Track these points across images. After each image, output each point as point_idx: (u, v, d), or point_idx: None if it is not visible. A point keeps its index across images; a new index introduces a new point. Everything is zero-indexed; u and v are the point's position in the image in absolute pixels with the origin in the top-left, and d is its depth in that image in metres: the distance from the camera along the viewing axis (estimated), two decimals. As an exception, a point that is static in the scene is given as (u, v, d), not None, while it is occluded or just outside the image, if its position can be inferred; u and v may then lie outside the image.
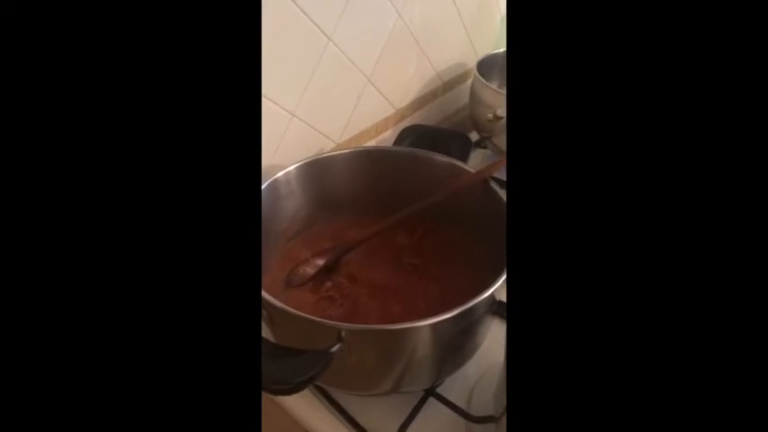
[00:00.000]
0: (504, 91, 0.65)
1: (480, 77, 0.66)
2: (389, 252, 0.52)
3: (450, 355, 0.40)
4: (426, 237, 0.53)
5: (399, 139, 0.58)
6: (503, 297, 0.36)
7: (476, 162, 0.72)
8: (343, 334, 0.34)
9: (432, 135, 0.58)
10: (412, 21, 0.65)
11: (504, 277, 0.37)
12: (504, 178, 0.50)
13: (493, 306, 0.39)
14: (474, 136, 0.75)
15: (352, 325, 0.34)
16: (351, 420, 0.42)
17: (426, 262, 0.51)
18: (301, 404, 0.43)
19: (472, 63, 0.74)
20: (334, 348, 0.33)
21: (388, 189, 0.54)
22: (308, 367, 0.31)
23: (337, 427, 0.42)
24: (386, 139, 0.70)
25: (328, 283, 0.49)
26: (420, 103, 0.75)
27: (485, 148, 0.74)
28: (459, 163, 0.50)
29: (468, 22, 0.75)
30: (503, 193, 0.46)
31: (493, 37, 0.82)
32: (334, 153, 0.52)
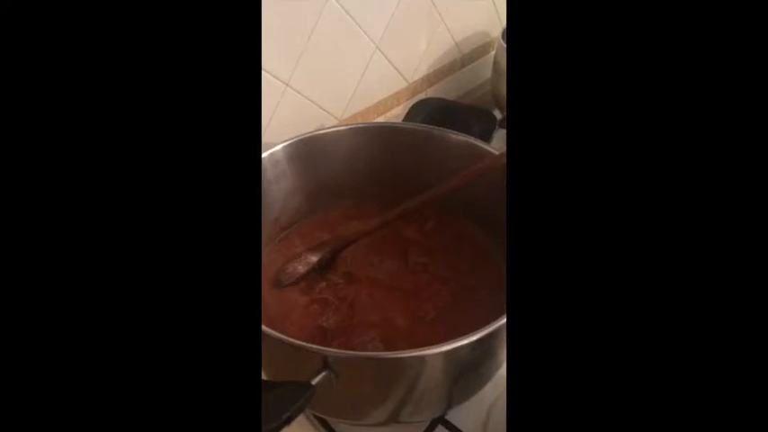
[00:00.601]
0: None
1: (506, 48, 0.57)
2: (394, 248, 0.45)
3: (463, 382, 0.33)
4: (438, 231, 0.46)
5: (410, 114, 0.50)
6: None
7: (499, 145, 0.64)
8: (330, 360, 0.27)
9: (448, 110, 0.50)
10: (428, -21, 0.56)
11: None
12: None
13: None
14: (497, 115, 0.66)
15: (340, 351, 0.27)
16: None
17: (437, 261, 0.44)
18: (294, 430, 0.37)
19: (496, 32, 0.66)
20: (317, 380, 0.26)
21: (395, 173, 0.46)
22: (282, 406, 0.24)
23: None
24: (395, 116, 0.62)
25: (322, 284, 0.42)
26: (436, 76, 0.66)
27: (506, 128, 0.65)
28: (481, 143, 0.42)
29: (493, -16, 0.66)
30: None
31: (520, 2, 0.73)
32: (331, 130, 0.44)
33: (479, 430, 0.37)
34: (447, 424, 0.37)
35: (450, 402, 0.35)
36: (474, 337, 0.27)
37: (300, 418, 0.37)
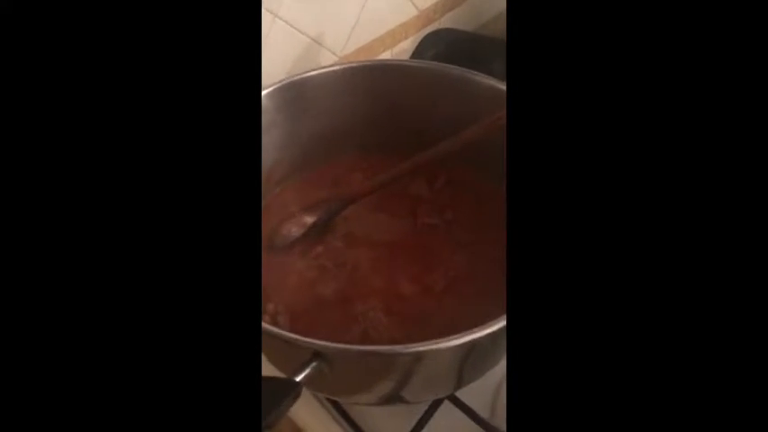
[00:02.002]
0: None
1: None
2: (401, 206, 0.40)
3: (475, 364, 0.30)
4: (450, 187, 0.41)
5: (419, 50, 0.43)
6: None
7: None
8: (322, 351, 0.23)
9: (465, 44, 0.42)
10: None
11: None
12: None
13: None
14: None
15: (332, 344, 0.23)
16: (354, 426, 0.34)
17: (449, 221, 0.39)
18: (303, 408, 0.35)
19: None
20: (302, 376, 0.22)
21: (403, 121, 0.40)
22: (264, 408, 0.20)
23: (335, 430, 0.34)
24: (404, 51, 0.54)
25: (320, 247, 0.38)
26: (452, 1, 0.57)
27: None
28: (501, 84, 0.35)
29: None
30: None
31: None
32: (325, 70, 0.37)
33: (488, 407, 0.35)
34: (456, 401, 0.34)
35: (460, 383, 0.32)
36: (491, 329, 0.23)
37: (306, 394, 0.35)
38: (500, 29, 0.63)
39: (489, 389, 0.36)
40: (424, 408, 0.34)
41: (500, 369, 0.35)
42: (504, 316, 0.24)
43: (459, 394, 0.34)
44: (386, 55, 0.53)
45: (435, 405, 0.34)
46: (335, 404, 0.35)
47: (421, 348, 0.23)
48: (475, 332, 0.24)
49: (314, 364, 0.23)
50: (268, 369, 0.29)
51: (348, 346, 0.24)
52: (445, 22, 0.58)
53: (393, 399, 0.30)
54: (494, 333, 0.24)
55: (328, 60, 0.48)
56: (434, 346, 0.23)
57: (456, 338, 0.23)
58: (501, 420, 0.34)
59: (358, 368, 0.26)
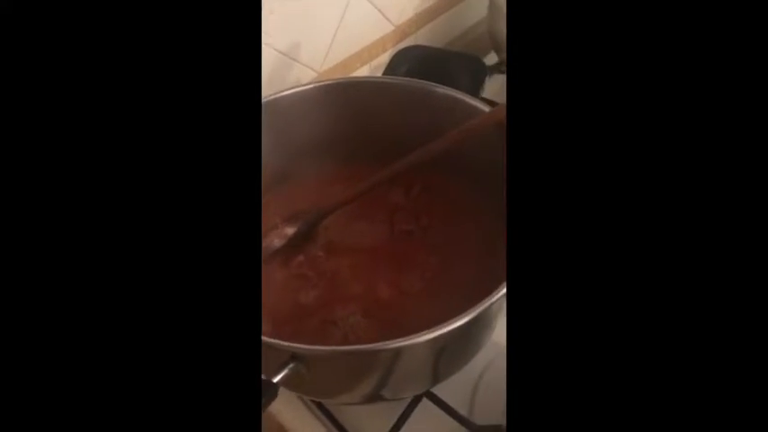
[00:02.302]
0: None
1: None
2: (379, 213, 0.42)
3: (449, 359, 0.31)
4: (426, 194, 0.42)
5: (392, 66, 0.45)
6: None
7: (495, 90, 0.58)
8: (298, 354, 0.25)
9: (434, 59, 0.45)
10: None
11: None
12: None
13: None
14: (492, 58, 0.60)
15: (306, 347, 0.24)
16: (336, 424, 0.35)
17: (424, 227, 0.41)
18: (286, 408, 0.37)
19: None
20: (279, 377, 0.24)
21: (378, 133, 0.42)
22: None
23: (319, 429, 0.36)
24: (383, 63, 0.56)
25: (301, 257, 0.39)
26: (427, 16, 0.60)
27: (504, 72, 0.60)
28: (469, 98, 0.37)
29: None
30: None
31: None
32: (300, 89, 0.39)
33: (467, 402, 0.36)
34: (431, 396, 0.35)
35: (437, 378, 0.33)
36: (460, 322, 0.25)
37: (290, 394, 0.36)
38: (471, 41, 0.66)
39: (467, 386, 0.37)
40: (403, 405, 0.35)
41: (477, 366, 0.37)
42: (473, 310, 0.25)
43: (437, 392, 0.36)
44: (364, 69, 0.55)
45: (414, 402, 0.36)
46: (319, 404, 0.36)
47: (391, 346, 0.25)
48: (444, 326, 0.25)
49: (291, 365, 0.25)
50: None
51: (320, 348, 0.25)
52: (421, 35, 0.60)
53: (372, 397, 0.32)
54: (462, 327, 0.25)
55: (307, 76, 0.50)
56: (405, 343, 0.25)
57: (425, 334, 0.25)
58: (478, 416, 0.35)
59: (334, 368, 0.28)
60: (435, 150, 0.37)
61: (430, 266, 0.38)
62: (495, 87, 0.60)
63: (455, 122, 0.36)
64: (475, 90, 0.44)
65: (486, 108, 0.36)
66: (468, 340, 0.31)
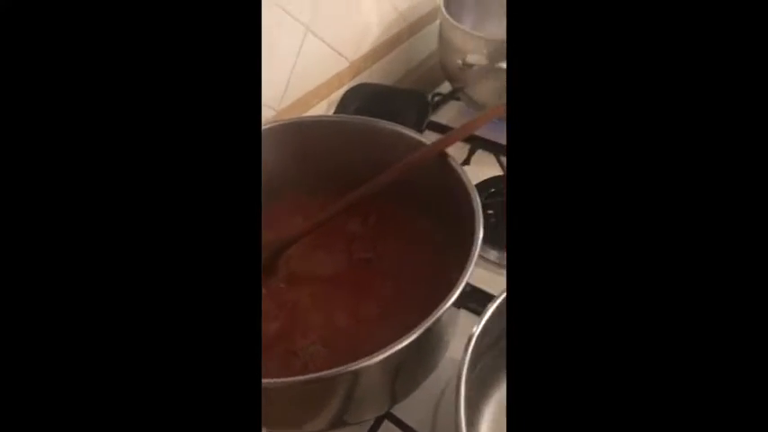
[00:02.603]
0: (477, 33, 0.54)
1: (448, 17, 0.54)
2: (338, 243, 0.44)
3: (406, 378, 0.33)
4: (381, 224, 0.45)
5: (344, 104, 0.48)
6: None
7: (451, 116, 0.62)
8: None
9: (382, 97, 0.47)
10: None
11: (469, 269, 0.31)
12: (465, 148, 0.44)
13: (457, 302, 0.31)
14: (447, 87, 0.64)
15: (266, 381, 0.26)
16: None
17: (380, 255, 0.43)
18: None
19: (439, -2, 0.62)
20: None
21: (333, 167, 0.44)
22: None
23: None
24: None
25: (263, 291, 0.41)
26: (381, 51, 0.63)
27: (458, 99, 0.63)
28: (413, 133, 0.40)
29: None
30: (461, 171, 0.37)
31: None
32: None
33: (428, 422, 0.38)
34: (392, 418, 0.37)
35: (395, 399, 0.35)
36: (409, 339, 0.27)
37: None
38: (424, 72, 0.69)
39: (429, 405, 0.38)
40: (365, 428, 0.37)
41: (437, 384, 0.38)
42: (421, 326, 0.27)
43: (399, 413, 0.37)
44: (322, 105, 0.58)
45: (376, 425, 0.37)
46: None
47: (348, 369, 0.26)
48: (396, 345, 0.27)
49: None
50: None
51: (280, 380, 0.27)
52: (376, 71, 0.63)
53: (336, 423, 0.33)
54: (412, 344, 0.27)
55: (267, 114, 0.52)
56: (360, 365, 0.26)
57: (378, 355, 0.26)
58: (439, 433, 0.37)
59: (295, 398, 0.29)
60: (384, 182, 0.39)
61: (386, 292, 0.40)
62: (451, 113, 0.63)
63: (400, 155, 0.38)
64: (419, 124, 0.47)
65: (428, 141, 0.39)
66: (421, 357, 0.33)
